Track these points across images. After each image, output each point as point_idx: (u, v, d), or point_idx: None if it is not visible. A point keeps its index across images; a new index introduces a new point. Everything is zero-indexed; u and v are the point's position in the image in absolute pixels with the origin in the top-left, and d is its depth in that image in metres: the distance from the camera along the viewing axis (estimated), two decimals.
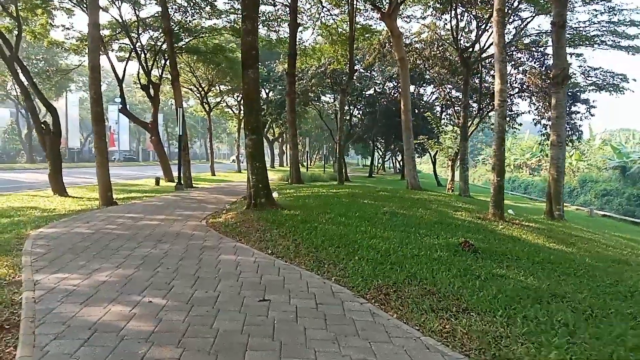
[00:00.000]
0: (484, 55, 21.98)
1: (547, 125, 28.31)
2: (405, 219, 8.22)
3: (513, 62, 27.79)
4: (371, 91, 41.08)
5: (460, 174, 20.47)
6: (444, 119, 37.42)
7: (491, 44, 21.69)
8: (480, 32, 21.79)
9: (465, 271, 5.11)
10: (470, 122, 29.74)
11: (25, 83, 15.19)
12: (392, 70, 32.88)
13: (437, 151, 37.33)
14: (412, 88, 41.89)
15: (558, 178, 12.46)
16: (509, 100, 30.54)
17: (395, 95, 41.86)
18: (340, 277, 4.85)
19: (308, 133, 57.70)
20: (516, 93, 29.38)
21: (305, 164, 45.73)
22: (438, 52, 29.16)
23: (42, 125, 14.81)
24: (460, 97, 32.44)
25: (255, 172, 8.80)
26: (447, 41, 24.50)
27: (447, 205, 11.10)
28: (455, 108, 31.52)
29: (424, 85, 39.86)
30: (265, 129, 50.58)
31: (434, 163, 38.22)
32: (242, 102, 44.21)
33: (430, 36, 28.84)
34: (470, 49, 21.48)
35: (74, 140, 47.16)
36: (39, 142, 15.83)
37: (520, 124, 33.04)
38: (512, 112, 30.78)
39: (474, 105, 33.28)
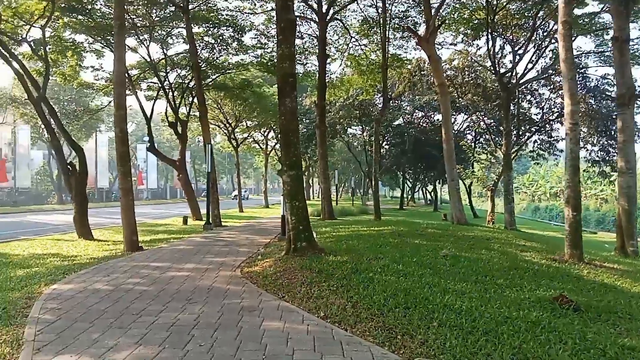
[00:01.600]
0: (524, 79, 20.83)
1: (592, 150, 26.77)
2: (471, 265, 7.01)
3: (552, 86, 26.60)
4: (399, 121, 40.21)
5: (505, 206, 19.08)
6: (476, 147, 36.01)
7: (531, 68, 20.66)
8: (516, 56, 20.79)
9: (583, 343, 3.89)
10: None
11: (52, 124, 14.82)
12: (423, 99, 31.96)
13: (472, 181, 35.89)
14: (439, 116, 40.99)
15: (630, 209, 11.04)
16: (548, 126, 29.21)
17: (424, 125, 40.91)
18: (424, 355, 3.70)
19: (335, 166, 56.93)
20: (555, 118, 28.01)
21: (333, 197, 44.70)
22: (471, 78, 28.24)
23: (69, 166, 14.30)
24: (493, 124, 31.35)
25: (295, 213, 7.79)
26: (483, 66, 23.53)
27: (508, 244, 9.82)
28: (491, 136, 30.22)
29: (454, 113, 38.74)
30: None
31: (469, 193, 36.61)
32: (277, 134, 43.98)
33: (463, 62, 28.00)
34: (509, 73, 20.40)
35: (103, 180, 47.42)
36: (65, 184, 15.29)
37: (561, 150, 31.45)
38: (552, 138, 29.34)
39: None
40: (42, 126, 16.03)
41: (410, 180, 50.80)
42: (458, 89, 28.00)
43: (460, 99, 29.11)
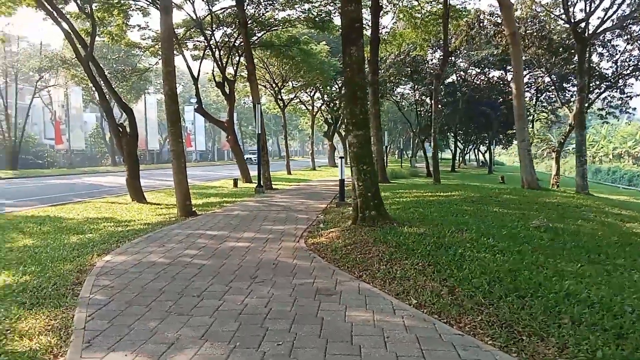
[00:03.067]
0: (601, 29, 18.57)
1: None
2: (574, 239, 5.98)
3: (628, 37, 23.92)
4: (452, 79, 37.98)
5: (577, 168, 17.47)
6: (536, 106, 33.57)
7: (609, 16, 18.36)
8: (592, 3, 18.48)
9: None
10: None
11: (101, 84, 14.48)
12: (481, 53, 29.75)
13: (531, 142, 33.75)
14: (496, 73, 38.38)
15: None
16: (621, 81, 26.54)
17: (479, 82, 38.49)
18: None
19: (382, 127, 55.31)
20: (630, 73, 25.37)
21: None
22: (534, 30, 25.80)
23: (119, 127, 14.00)
24: (557, 80, 28.85)
25: (362, 178, 6.93)
26: (552, 15, 21.26)
27: (603, 213, 8.64)
28: (557, 93, 27.89)
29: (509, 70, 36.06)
30: (338, 124, 48.90)
31: None
32: (322, 94, 42.93)
33: (527, 12, 25.57)
34: (582, 23, 18.23)
35: (153, 142, 48.13)
36: (116, 145, 15.06)
37: (634, 108, 28.76)
38: (625, 95, 26.70)
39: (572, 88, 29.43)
40: (93, 88, 15.72)
41: (461, 141, 48.67)
42: (520, 42, 25.68)
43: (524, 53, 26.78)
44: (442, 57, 35.45)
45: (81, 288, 4.54)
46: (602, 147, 61.07)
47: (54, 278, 4.91)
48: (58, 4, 14.38)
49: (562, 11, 18.70)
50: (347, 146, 7.22)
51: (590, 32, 18.76)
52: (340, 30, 25.00)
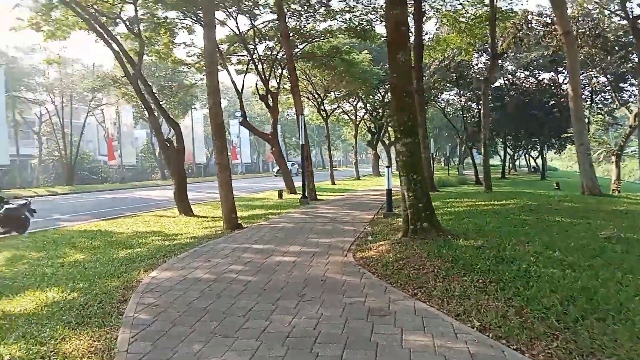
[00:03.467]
0: None
1: None
2: None
3: None
4: (499, 83, 36.74)
5: None
6: (592, 107, 31.84)
7: None
8: None
9: None
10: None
11: (149, 100, 14.85)
12: (530, 55, 28.59)
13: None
14: (546, 75, 36.78)
15: None
16: None
17: (528, 85, 37.02)
18: None
19: (427, 134, 54.23)
20: None
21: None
22: (587, 29, 24.52)
23: (166, 142, 14.25)
24: (610, 80, 27.22)
25: (412, 188, 6.58)
26: (608, 12, 20.12)
27: None
28: (614, 93, 26.31)
29: (563, 70, 34.44)
30: (382, 132, 48.38)
31: None
32: (365, 104, 42.63)
33: (579, 10, 24.38)
34: None
35: (200, 156, 49.28)
36: (164, 159, 15.36)
37: None
38: None
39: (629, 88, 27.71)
40: (142, 105, 16.18)
41: (511, 146, 46.91)
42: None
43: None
44: (489, 60, 34.59)
45: (126, 306, 4.45)
46: None
47: (101, 295, 4.86)
48: (108, 26, 14.94)
49: (618, 7, 17.66)
50: (396, 155, 6.90)
51: None
52: (383, 37, 24.79)
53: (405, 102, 6.56)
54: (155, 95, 15.42)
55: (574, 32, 24.29)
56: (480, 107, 36.41)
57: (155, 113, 15.67)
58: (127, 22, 15.90)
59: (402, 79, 6.55)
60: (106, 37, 13.61)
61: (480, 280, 4.55)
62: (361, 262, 5.92)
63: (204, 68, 22.63)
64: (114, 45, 13.82)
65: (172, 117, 17.33)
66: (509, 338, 3.35)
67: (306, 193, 16.30)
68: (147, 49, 22.26)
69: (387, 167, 10.73)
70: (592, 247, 5.56)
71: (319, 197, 18.25)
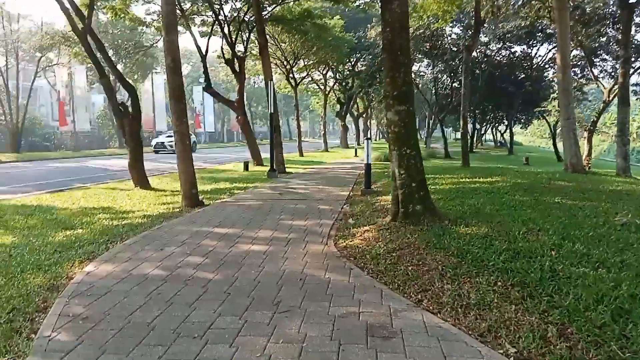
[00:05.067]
0: None
1: None
2: None
3: None
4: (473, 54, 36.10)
5: (618, 148, 15.92)
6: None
7: None
8: None
9: None
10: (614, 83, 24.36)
11: (101, 60, 13.27)
12: (507, 26, 27.85)
13: (557, 121, 31.93)
14: (518, 48, 36.33)
15: None
16: None
17: (499, 58, 36.54)
18: None
19: None
20: None
21: None
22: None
23: (120, 106, 12.77)
24: (586, 54, 26.92)
25: (404, 164, 5.62)
26: None
27: None
28: (590, 68, 25.97)
29: (537, 43, 34.04)
30: (351, 103, 47.29)
31: (553, 135, 32.68)
32: (335, 73, 41.21)
33: None
34: None
35: (161, 123, 46.79)
36: (117, 126, 13.88)
37: None
38: None
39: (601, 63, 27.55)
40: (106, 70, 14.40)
41: (478, 121, 46.84)
42: (549, 13, 23.81)
43: (552, 25, 24.87)
44: (462, 30, 33.74)
45: (44, 319, 3.35)
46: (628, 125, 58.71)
47: (15, 300, 3.72)
48: None
49: None
50: (387, 125, 5.90)
51: None
52: (354, 2, 23.46)
53: (400, 62, 5.52)
54: (108, 54, 13.78)
55: (551, 5, 23.75)
56: (452, 79, 35.87)
57: (108, 74, 14.09)
58: None
59: (397, 34, 5.49)
60: None
61: (499, 283, 3.67)
62: (346, 252, 4.95)
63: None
64: None
65: (127, 79, 15.74)
66: None
67: (274, 166, 15.22)
68: (101, 4, 20.26)
69: (367, 139, 9.74)
70: (613, 237, 4.78)
71: (287, 170, 17.21)
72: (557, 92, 32.75)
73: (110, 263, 4.73)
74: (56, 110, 42.40)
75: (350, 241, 5.37)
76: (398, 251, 4.69)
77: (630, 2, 15.68)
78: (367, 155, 9.48)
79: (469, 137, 26.00)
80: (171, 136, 27.21)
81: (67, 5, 12.21)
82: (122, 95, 30.38)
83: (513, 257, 4.18)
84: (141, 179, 12.40)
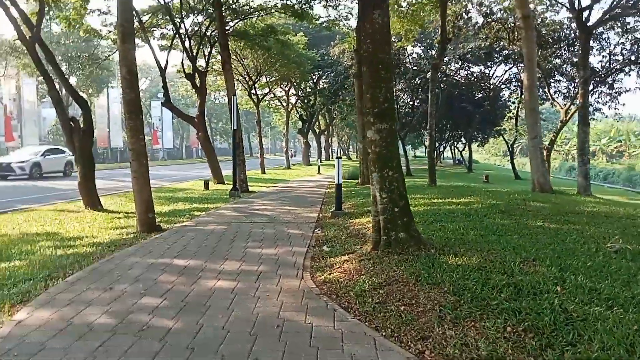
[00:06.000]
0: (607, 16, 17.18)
1: None
2: None
3: (620, 30, 23.00)
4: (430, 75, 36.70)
5: (579, 167, 16.17)
6: (520, 102, 32.51)
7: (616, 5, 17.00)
8: None
9: None
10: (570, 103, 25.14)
11: (50, 71, 12.32)
12: (468, 46, 28.36)
13: (515, 140, 32.70)
14: (476, 69, 37.23)
15: None
16: (610, 78, 25.64)
17: (457, 78, 37.32)
18: None
19: (355, 123, 53.72)
20: (621, 68, 24.50)
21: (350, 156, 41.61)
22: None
23: (70, 121, 11.83)
24: (541, 75, 27.81)
25: (386, 188, 5.14)
26: (552, 4, 20.00)
27: None
28: (547, 89, 26.72)
29: (491, 65, 34.98)
30: (313, 120, 47.05)
31: (511, 153, 33.45)
32: (297, 90, 40.82)
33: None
34: (586, 11, 16.87)
35: (117, 140, 44.95)
36: (66, 142, 12.84)
37: (624, 104, 28.10)
38: (614, 90, 25.83)
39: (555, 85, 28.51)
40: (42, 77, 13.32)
41: (437, 138, 47.63)
42: (509, 35, 24.41)
43: (510, 45, 25.47)
44: (423, 50, 34.24)
45: None
46: (575, 145, 61.42)
47: None
48: None
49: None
50: (366, 145, 5.44)
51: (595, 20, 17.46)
52: (322, 17, 23.27)
53: (381, 77, 5.07)
54: (59, 66, 12.80)
55: (508, 27, 24.36)
56: (413, 97, 36.25)
57: (59, 87, 13.10)
58: None
59: (379, 47, 5.04)
60: None
61: (509, 328, 3.20)
62: (325, 289, 4.38)
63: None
64: (5, 0, 11.14)
65: (80, 92, 14.75)
66: None
67: (237, 185, 14.51)
68: (54, 13, 19.13)
69: (338, 158, 9.27)
70: (613, 267, 4.44)
71: (250, 188, 16.54)
72: (512, 111, 33.82)
73: (47, 308, 3.96)
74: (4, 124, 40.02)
75: (329, 274, 4.81)
76: (385, 287, 4.16)
77: (588, 25, 16.11)
78: (338, 175, 9.00)
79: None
80: (23, 158, 23.19)
81: (15, 13, 11.31)
82: (76, 109, 28.89)
83: (516, 295, 3.73)
84: (92, 200, 11.49)
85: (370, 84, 5.11)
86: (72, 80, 34.81)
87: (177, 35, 19.78)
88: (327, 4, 22.27)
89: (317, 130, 53.03)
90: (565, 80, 27.49)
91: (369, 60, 5.14)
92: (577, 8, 15.89)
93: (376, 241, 5.29)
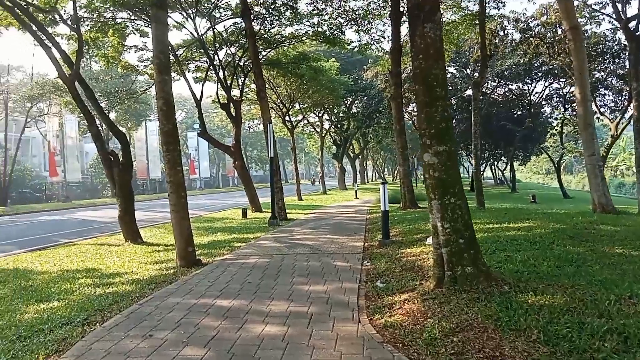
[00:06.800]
0: None
1: None
2: None
3: None
4: (468, 93, 35.94)
5: (638, 184, 15.06)
6: (565, 118, 31.24)
7: None
8: None
9: None
10: (620, 117, 23.90)
11: (90, 107, 12.49)
12: (506, 62, 27.61)
13: (561, 157, 31.35)
14: (514, 86, 36.22)
15: None
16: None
17: (496, 97, 36.42)
18: None
19: (387, 147, 53.03)
20: None
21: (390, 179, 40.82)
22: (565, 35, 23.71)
23: (110, 155, 11.87)
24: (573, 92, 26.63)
25: (449, 217, 4.59)
26: (596, 15, 19.20)
27: None
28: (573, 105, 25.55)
29: (531, 81, 33.94)
30: (347, 145, 46.74)
31: (558, 170, 32.03)
32: (331, 116, 40.71)
33: (557, 16, 23.55)
34: (634, 21, 16.00)
35: (156, 171, 45.84)
36: (106, 176, 12.87)
37: None
38: None
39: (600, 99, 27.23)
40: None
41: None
42: (549, 50, 23.59)
43: (551, 61, 24.60)
44: (457, 69, 33.60)
45: None
46: (623, 160, 58.65)
47: None
48: (47, 25, 12.59)
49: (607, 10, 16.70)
50: (423, 170, 4.92)
51: None
52: (353, 42, 23.12)
53: (436, 95, 4.61)
54: (98, 101, 12.95)
55: (550, 40, 23.56)
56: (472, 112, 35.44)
57: (99, 122, 13.24)
58: (69, 21, 13.42)
59: (433, 63, 4.59)
60: (36, 30, 11.17)
61: None
62: (388, 335, 3.84)
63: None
64: (47, 42, 11.40)
65: (119, 127, 14.91)
66: None
67: (276, 212, 14.17)
68: (93, 52, 19.67)
69: (383, 183, 8.76)
70: None
71: (288, 215, 16.17)
72: (556, 127, 32.50)
73: None
74: (48, 160, 41.53)
75: (389, 316, 4.27)
76: (459, 333, 3.59)
77: (638, 34, 15.21)
78: (384, 201, 8.48)
79: (471, 176, 25.26)
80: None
81: (57, 54, 11.53)
82: (116, 143, 29.58)
83: (624, 344, 3.10)
84: (131, 233, 11.40)
85: (425, 103, 4.64)
86: (112, 115, 35.87)
87: (211, 67, 20.02)
88: (359, 29, 22.13)
89: (352, 155, 52.69)
90: (612, 93, 26.33)
91: (422, 77, 4.68)
92: (623, 18, 15.07)
93: (439, 277, 4.72)
